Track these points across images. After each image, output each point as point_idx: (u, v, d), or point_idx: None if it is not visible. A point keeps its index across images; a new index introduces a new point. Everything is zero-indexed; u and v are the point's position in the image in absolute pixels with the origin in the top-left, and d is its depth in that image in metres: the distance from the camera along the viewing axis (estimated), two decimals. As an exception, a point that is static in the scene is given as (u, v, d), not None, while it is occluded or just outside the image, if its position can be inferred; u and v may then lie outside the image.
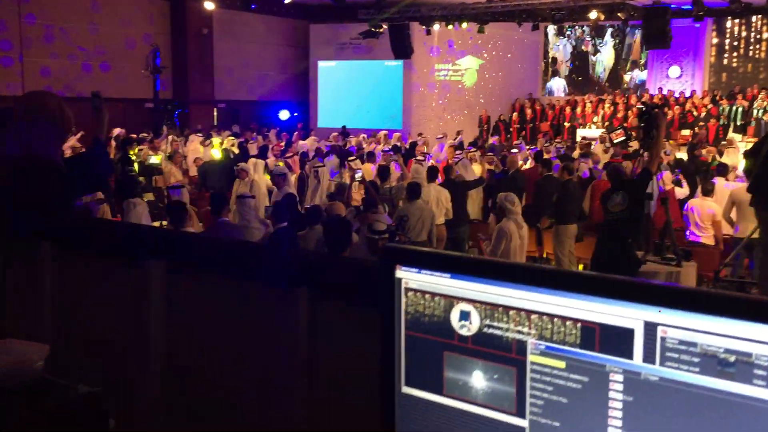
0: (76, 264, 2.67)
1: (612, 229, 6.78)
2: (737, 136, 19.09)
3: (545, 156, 12.39)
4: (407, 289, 1.25)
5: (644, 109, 7.37)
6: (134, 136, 14.52)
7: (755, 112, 20.15)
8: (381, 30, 20.22)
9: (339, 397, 1.96)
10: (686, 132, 20.18)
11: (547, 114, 23.11)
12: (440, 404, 1.24)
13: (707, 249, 8.69)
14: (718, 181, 9.82)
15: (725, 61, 23.28)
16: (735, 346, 0.95)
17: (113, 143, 13.19)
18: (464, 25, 20.72)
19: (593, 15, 18.64)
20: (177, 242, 2.69)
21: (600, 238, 7.25)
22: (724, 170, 10.56)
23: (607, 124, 21.30)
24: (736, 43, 23.08)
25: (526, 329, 1.14)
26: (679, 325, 1.00)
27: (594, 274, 1.10)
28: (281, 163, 11.79)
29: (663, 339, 1.01)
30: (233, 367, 2.20)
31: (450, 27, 20.93)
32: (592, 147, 15.14)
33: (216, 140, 15.85)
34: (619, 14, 18.62)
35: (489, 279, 1.17)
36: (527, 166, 12.58)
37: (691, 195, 10.12)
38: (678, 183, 10.38)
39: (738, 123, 20.23)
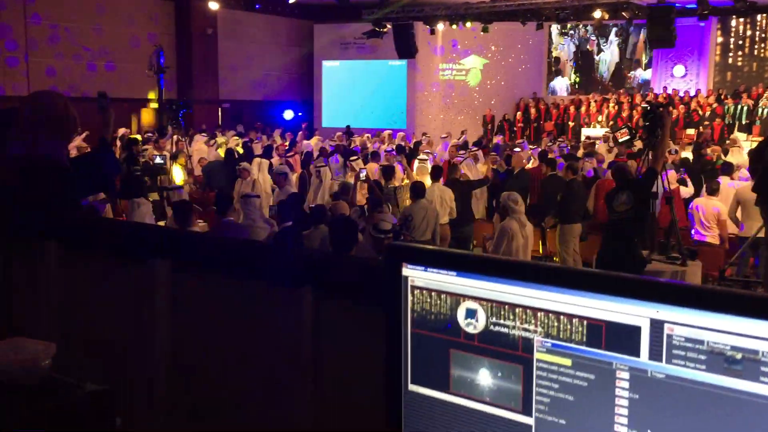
0: (82, 263, 2.68)
1: (617, 228, 6.77)
2: (742, 135, 19.04)
3: (549, 155, 12.38)
4: (413, 287, 1.26)
5: (649, 108, 7.35)
6: (139, 136, 14.55)
7: (760, 111, 20.10)
8: (385, 30, 20.22)
9: (344, 397, 1.96)
10: (691, 131, 20.13)
11: (551, 113, 23.08)
12: (446, 402, 1.24)
13: (712, 248, 8.68)
14: (723, 180, 9.80)
15: (730, 60, 23.22)
16: (742, 344, 0.95)
17: (118, 143, 13.22)
18: (468, 24, 20.71)
19: (597, 14, 18.61)
20: (182, 242, 2.69)
21: (605, 238, 7.25)
22: (729, 169, 10.54)
23: (611, 123, 21.26)
24: (741, 42, 23.01)
25: (532, 327, 1.14)
26: (686, 322, 1.00)
27: (600, 272, 1.10)
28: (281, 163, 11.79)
29: (669, 336, 1.01)
30: (238, 366, 2.21)
31: (454, 26, 20.93)
32: (596, 146, 15.13)
33: (221, 140, 15.89)
34: (623, 13, 18.59)
35: (495, 277, 1.17)
36: (529, 165, 12.57)
37: (696, 194, 10.10)
38: (683, 182, 10.36)
39: (743, 122, 20.18)
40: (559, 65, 25.46)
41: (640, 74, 24.41)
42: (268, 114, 23.03)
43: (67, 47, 18.40)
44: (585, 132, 21.24)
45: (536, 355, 1.15)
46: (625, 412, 1.07)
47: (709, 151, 13.62)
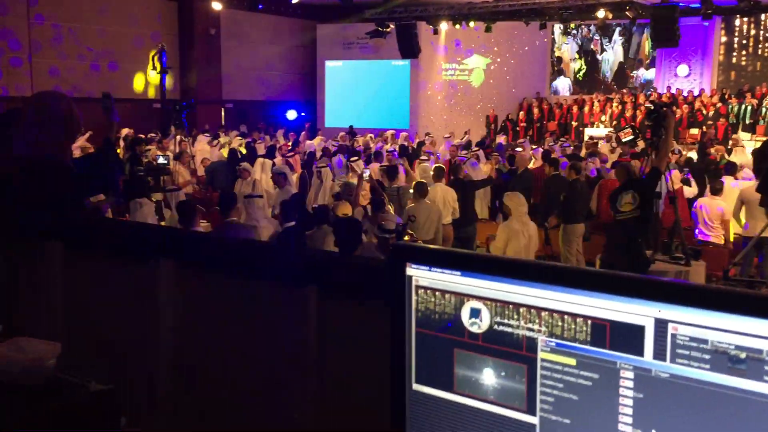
0: (86, 264, 2.68)
1: (621, 228, 6.76)
2: (746, 135, 19.02)
3: (552, 155, 12.37)
4: (417, 287, 1.26)
5: (653, 107, 7.35)
6: (142, 136, 14.58)
7: (764, 110, 20.06)
8: (388, 30, 20.23)
9: (348, 396, 1.96)
10: (695, 131, 20.11)
11: (554, 113, 23.07)
12: (451, 401, 1.24)
13: (716, 248, 8.67)
14: (727, 180, 9.79)
15: (734, 60, 23.17)
16: (746, 343, 0.95)
17: (122, 143, 13.25)
18: (471, 24, 20.70)
19: (601, 14, 18.59)
20: (186, 242, 2.70)
21: (609, 238, 7.24)
22: (732, 169, 10.53)
23: (615, 123, 21.24)
24: (744, 42, 22.97)
25: (536, 326, 1.14)
26: (690, 322, 1.00)
27: (604, 271, 1.10)
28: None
29: (674, 336, 1.01)
30: (241, 366, 2.21)
31: (457, 26, 20.92)
32: (599, 146, 15.12)
33: (224, 140, 15.91)
34: (627, 13, 18.55)
35: (499, 276, 1.17)
36: (531, 165, 12.56)
37: (700, 194, 10.09)
38: (687, 182, 10.35)
39: (747, 122, 20.14)
40: (561, 65, 25.44)
41: (643, 74, 24.38)
42: (271, 114, 23.05)
43: (71, 47, 18.43)
44: (588, 132, 21.23)
45: (540, 355, 1.15)
46: (630, 411, 1.07)
47: (713, 150, 13.61)
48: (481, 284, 1.19)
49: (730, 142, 15.17)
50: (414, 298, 1.26)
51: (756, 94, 20.73)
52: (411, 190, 8.92)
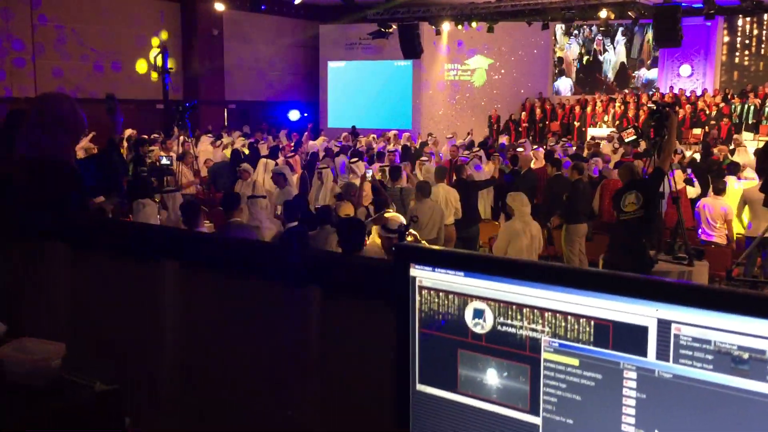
0: (90, 264, 2.69)
1: (625, 229, 6.74)
2: (749, 135, 18.99)
3: (554, 155, 12.36)
4: (421, 288, 1.26)
5: (656, 108, 7.34)
6: (146, 137, 14.60)
7: (767, 110, 20.03)
8: (390, 30, 20.22)
9: (351, 397, 1.96)
10: (698, 131, 20.09)
11: (557, 113, 23.05)
12: (454, 402, 1.25)
13: (719, 248, 8.66)
14: (729, 180, 9.78)
15: (737, 60, 23.14)
16: (749, 344, 0.96)
17: (126, 144, 13.27)
18: (474, 24, 20.69)
19: (603, 14, 18.57)
20: (190, 242, 2.70)
21: (613, 238, 7.23)
22: (735, 169, 10.51)
23: (617, 123, 21.23)
24: (747, 42, 22.93)
25: (539, 327, 1.15)
26: (693, 322, 1.00)
27: (607, 272, 1.11)
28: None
29: (677, 336, 1.02)
30: (245, 366, 2.21)
31: (459, 27, 20.91)
32: (601, 147, 15.10)
33: (227, 140, 15.92)
34: (629, 13, 18.54)
35: (502, 277, 1.17)
36: (532, 165, 12.55)
37: (703, 194, 10.08)
38: (690, 182, 10.34)
39: (750, 122, 20.11)
40: (562, 65, 25.42)
41: (644, 74, 24.36)
42: (274, 115, 23.06)
43: (74, 48, 18.46)
44: (590, 132, 21.21)
45: (544, 355, 1.15)
46: (633, 411, 1.07)
47: (715, 150, 13.59)
48: (484, 285, 1.19)
49: (732, 143, 15.15)
50: (417, 298, 1.27)
51: (759, 93, 20.69)
52: (414, 191, 8.92)
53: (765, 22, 22.49)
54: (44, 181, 3.08)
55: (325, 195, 10.27)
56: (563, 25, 23.19)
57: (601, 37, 24.72)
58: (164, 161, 11.85)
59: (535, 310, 1.15)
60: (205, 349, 2.34)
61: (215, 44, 21.63)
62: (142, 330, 2.48)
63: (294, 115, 23.67)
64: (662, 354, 1.03)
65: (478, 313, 1.20)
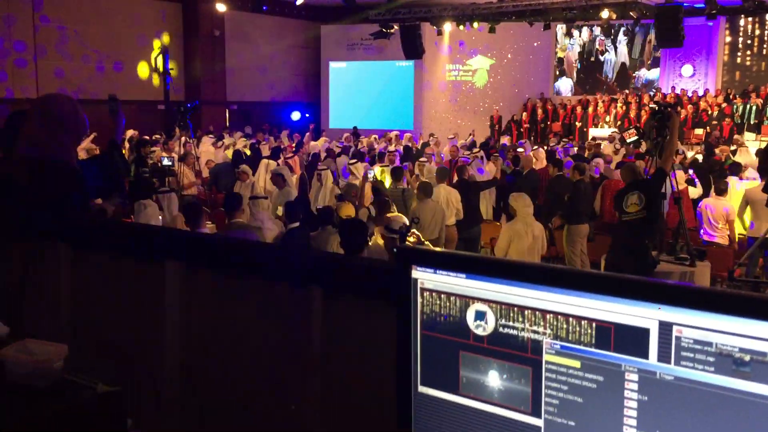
0: (92, 265, 2.69)
1: (627, 229, 6.73)
2: (751, 135, 18.98)
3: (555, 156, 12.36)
4: (423, 290, 1.26)
5: (657, 108, 7.33)
6: (147, 137, 14.62)
7: (769, 110, 20.04)
8: (392, 30, 20.22)
9: (353, 398, 1.96)
10: (699, 131, 20.08)
11: (558, 114, 23.04)
12: (456, 404, 1.25)
13: (721, 248, 8.65)
14: (731, 180, 9.77)
15: (738, 60, 23.12)
16: (750, 346, 0.96)
17: (127, 145, 13.28)
18: (475, 25, 20.69)
19: (605, 14, 18.56)
20: (192, 243, 2.70)
21: (614, 239, 7.22)
22: (737, 169, 10.50)
23: (619, 123, 21.22)
24: (749, 42, 22.91)
25: (541, 329, 1.15)
26: (695, 324, 1.00)
27: (609, 274, 1.11)
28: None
29: (678, 338, 1.02)
30: (247, 367, 2.22)
31: (461, 27, 20.91)
32: (602, 147, 15.09)
33: (228, 141, 15.93)
34: (631, 13, 18.52)
35: (504, 279, 1.17)
36: (533, 165, 12.53)
37: (705, 194, 10.07)
38: (691, 182, 10.33)
39: (752, 122, 20.10)
40: (563, 66, 25.41)
41: (645, 74, 24.34)
42: (276, 115, 23.08)
43: (76, 49, 18.47)
44: (592, 132, 21.20)
45: (545, 357, 1.15)
46: (634, 414, 1.07)
47: (717, 151, 13.58)
48: (486, 287, 1.19)
49: (734, 143, 15.14)
50: (419, 300, 1.27)
51: (761, 94, 20.68)
52: (415, 191, 8.92)
53: (767, 23, 22.47)
54: (45, 182, 3.08)
55: (324, 196, 10.27)
56: (564, 26, 23.18)
57: (602, 38, 24.70)
58: (166, 162, 11.86)
59: (537, 312, 1.15)
60: (207, 350, 2.34)
61: (217, 45, 21.64)
62: (143, 330, 2.48)
63: (296, 115, 23.68)
64: (664, 356, 1.03)
65: (480, 315, 1.20)
